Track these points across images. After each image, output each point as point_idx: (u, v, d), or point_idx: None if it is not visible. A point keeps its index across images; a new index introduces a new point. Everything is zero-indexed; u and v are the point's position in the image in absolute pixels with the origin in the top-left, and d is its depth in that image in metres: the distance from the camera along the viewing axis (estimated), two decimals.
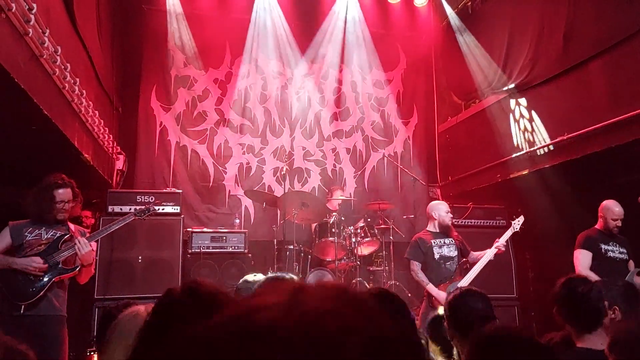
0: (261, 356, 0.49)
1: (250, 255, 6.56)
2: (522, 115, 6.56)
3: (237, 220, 7.43)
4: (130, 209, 6.16)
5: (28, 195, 3.95)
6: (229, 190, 7.84)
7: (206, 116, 7.93)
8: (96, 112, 5.42)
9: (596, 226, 5.04)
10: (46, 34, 3.67)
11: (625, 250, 4.91)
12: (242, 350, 0.50)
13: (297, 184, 8.14)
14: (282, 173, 6.76)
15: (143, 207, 4.54)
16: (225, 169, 7.88)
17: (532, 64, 6.32)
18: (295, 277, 3.18)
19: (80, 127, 5.03)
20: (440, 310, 4.83)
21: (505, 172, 6.84)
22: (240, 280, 2.90)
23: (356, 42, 8.65)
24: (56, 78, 4.08)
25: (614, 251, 4.87)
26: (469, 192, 7.71)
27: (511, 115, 6.78)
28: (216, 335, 0.53)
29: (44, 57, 3.72)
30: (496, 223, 7.13)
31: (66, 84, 4.29)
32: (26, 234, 3.86)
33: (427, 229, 5.47)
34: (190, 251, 6.34)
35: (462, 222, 7.03)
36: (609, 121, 5.06)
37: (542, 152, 6.14)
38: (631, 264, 4.90)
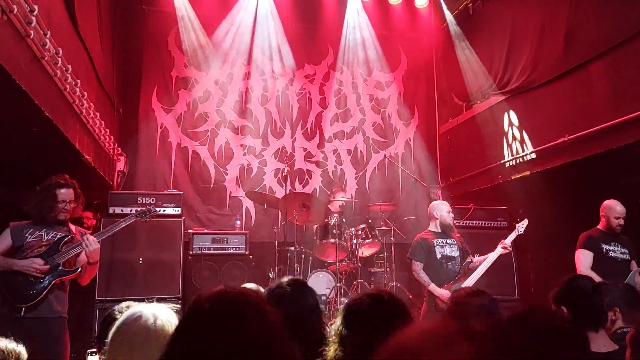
0: None
1: (251, 256, 6.56)
2: (522, 117, 6.56)
3: (238, 222, 7.43)
4: (131, 210, 6.16)
5: (30, 195, 3.94)
6: (230, 192, 7.84)
7: (207, 117, 7.94)
8: (97, 113, 5.42)
9: (598, 226, 5.02)
10: (47, 36, 3.67)
11: (627, 251, 4.88)
12: None
13: (298, 186, 8.14)
14: (283, 174, 6.76)
15: (144, 208, 4.51)
16: (226, 170, 7.89)
17: (533, 65, 6.32)
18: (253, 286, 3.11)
19: (81, 128, 5.03)
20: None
21: (506, 174, 6.83)
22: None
23: (357, 44, 8.66)
24: (57, 80, 4.08)
25: (616, 251, 4.85)
26: (470, 193, 7.71)
27: (512, 116, 6.77)
28: None
29: (45, 58, 3.72)
30: (497, 224, 7.12)
31: (67, 86, 4.29)
32: (27, 235, 3.84)
33: (429, 228, 5.46)
34: (191, 253, 6.34)
35: (463, 223, 7.02)
36: (610, 123, 5.06)
37: (542, 154, 6.13)
38: (633, 264, 4.88)
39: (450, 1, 8.29)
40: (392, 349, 0.79)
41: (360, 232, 6.61)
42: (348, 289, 6.35)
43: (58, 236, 3.92)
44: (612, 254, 4.84)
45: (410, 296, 6.62)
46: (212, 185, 7.78)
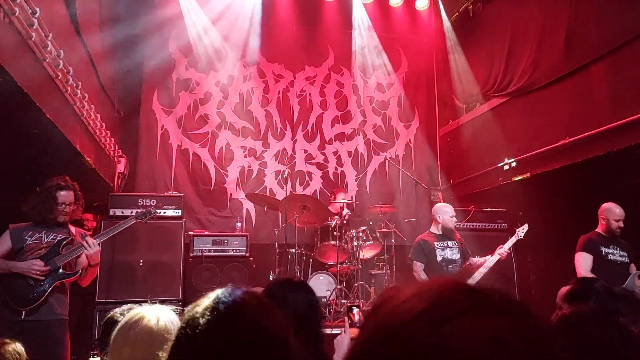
0: None
1: (251, 258, 6.55)
2: (523, 119, 6.56)
3: (239, 224, 7.43)
4: (131, 212, 6.16)
5: (30, 197, 3.93)
6: (231, 194, 7.85)
7: (208, 119, 7.94)
8: (98, 115, 5.43)
9: (597, 229, 5.02)
10: (49, 38, 3.68)
11: (626, 254, 4.89)
12: None
13: (298, 187, 8.15)
14: (284, 176, 6.75)
15: (144, 210, 4.50)
16: (227, 172, 7.89)
17: (533, 67, 6.32)
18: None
19: (82, 130, 5.04)
20: None
21: (507, 176, 6.83)
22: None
23: (357, 45, 8.67)
24: (59, 82, 4.09)
25: (615, 254, 4.85)
26: (470, 195, 7.71)
27: (512, 119, 6.77)
28: None
29: (47, 61, 3.73)
30: (498, 226, 7.12)
31: (69, 88, 4.30)
32: (26, 237, 3.83)
33: (431, 230, 5.46)
34: (191, 255, 6.34)
35: (463, 225, 7.02)
36: (611, 125, 5.06)
37: (544, 156, 6.13)
38: (632, 267, 4.88)
39: (450, 3, 8.31)
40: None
41: (360, 234, 6.60)
42: (348, 291, 6.35)
43: (58, 238, 3.91)
44: (611, 257, 4.84)
45: None
46: (212, 187, 7.79)
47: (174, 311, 1.84)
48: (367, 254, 6.84)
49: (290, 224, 6.47)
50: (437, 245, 5.26)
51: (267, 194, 7.75)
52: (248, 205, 7.81)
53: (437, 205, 5.67)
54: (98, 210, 6.44)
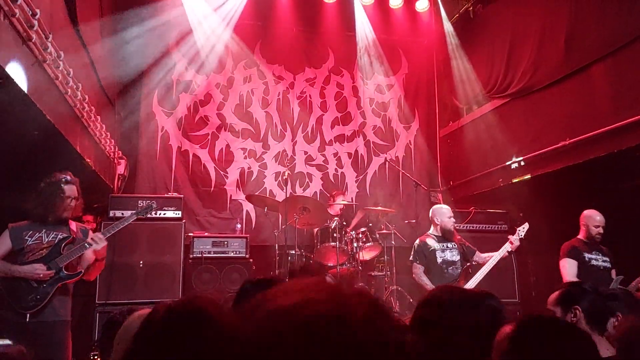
0: None
1: (251, 260, 6.54)
2: (523, 120, 6.56)
3: (239, 225, 7.43)
4: (131, 213, 6.15)
5: (32, 193, 3.88)
6: (231, 195, 7.84)
7: (208, 121, 7.94)
8: (98, 116, 5.43)
9: (579, 236, 5.11)
10: (49, 39, 3.67)
11: (608, 259, 4.98)
12: None
13: (298, 189, 8.14)
14: (284, 178, 6.74)
15: (144, 204, 4.47)
16: (227, 173, 7.89)
17: (533, 68, 6.33)
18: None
19: (82, 131, 5.04)
20: None
21: (507, 177, 6.83)
22: None
23: (358, 47, 8.67)
24: (59, 83, 4.08)
25: (598, 259, 4.94)
26: (470, 196, 7.71)
27: (513, 120, 6.77)
28: None
29: (47, 62, 3.73)
30: (498, 228, 7.11)
31: (69, 89, 4.30)
32: (26, 237, 3.79)
33: (430, 232, 5.46)
34: (191, 256, 6.33)
35: (463, 226, 7.02)
36: (612, 126, 5.07)
37: (544, 157, 6.13)
38: (613, 272, 4.96)
39: (451, 5, 8.32)
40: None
41: (360, 235, 6.60)
42: None
43: (59, 237, 3.88)
44: (594, 262, 4.93)
45: (411, 300, 6.61)
46: (212, 189, 7.78)
47: None
48: (366, 255, 6.83)
49: (290, 225, 6.47)
50: (437, 247, 5.26)
51: (267, 196, 7.74)
52: (248, 207, 7.80)
53: (435, 207, 5.67)
54: (98, 212, 6.44)
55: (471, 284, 5.00)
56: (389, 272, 6.79)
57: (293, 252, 6.56)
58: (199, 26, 7.87)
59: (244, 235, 6.88)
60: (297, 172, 8.22)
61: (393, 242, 6.86)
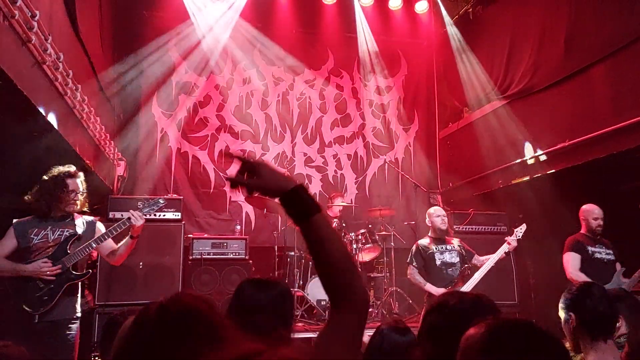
0: None
1: (251, 261, 6.54)
2: (523, 122, 6.56)
3: (238, 227, 7.43)
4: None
5: (36, 186, 3.81)
6: (230, 197, 7.84)
7: (207, 122, 7.95)
8: (97, 118, 5.43)
9: (581, 231, 5.16)
10: (49, 41, 3.67)
11: (611, 252, 5.03)
12: None
13: None
14: None
15: (150, 200, 4.26)
16: (226, 175, 7.89)
17: (533, 70, 6.34)
18: None
19: (82, 133, 5.04)
20: None
21: (506, 178, 6.83)
22: None
23: (357, 49, 8.68)
24: (58, 84, 4.08)
25: (601, 252, 5.00)
26: (470, 198, 7.71)
27: (512, 121, 6.77)
28: None
29: (47, 63, 3.73)
30: (497, 229, 7.12)
31: (68, 91, 4.29)
32: (32, 236, 3.73)
33: (429, 235, 5.50)
34: (191, 257, 6.33)
35: (463, 228, 7.03)
36: (611, 127, 5.07)
37: (543, 159, 6.13)
38: (618, 265, 5.01)
39: (451, 6, 8.33)
40: None
41: (360, 237, 6.60)
42: None
43: (65, 235, 3.81)
44: (597, 255, 4.98)
45: (410, 301, 6.62)
46: (212, 190, 7.79)
47: None
48: (366, 256, 6.84)
49: (290, 226, 6.48)
50: (436, 249, 5.27)
51: (267, 197, 7.73)
52: (247, 208, 7.81)
53: (428, 210, 5.72)
54: (98, 213, 6.42)
55: (469, 285, 5.02)
56: (388, 274, 6.80)
57: (292, 253, 6.57)
58: (199, 28, 7.87)
59: (243, 236, 6.88)
60: (297, 173, 8.22)
61: (392, 243, 6.86)
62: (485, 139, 7.32)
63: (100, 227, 4.09)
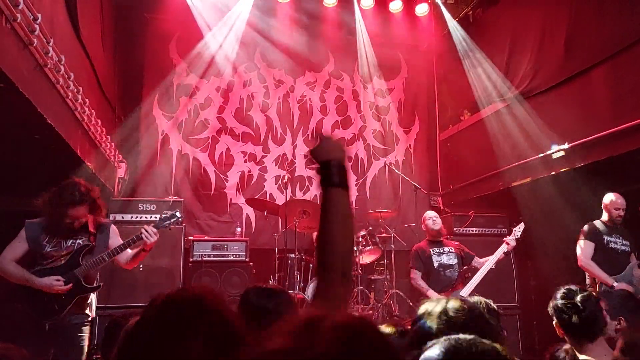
0: None
1: (251, 263, 6.55)
2: (523, 124, 6.57)
3: (239, 229, 7.43)
4: (131, 217, 6.16)
5: (43, 197, 3.71)
6: (231, 199, 7.85)
7: (208, 124, 7.96)
8: (98, 120, 5.44)
9: (601, 218, 5.20)
10: (50, 44, 3.68)
11: (628, 243, 5.07)
12: None
13: (298, 192, 8.15)
14: (284, 181, 6.77)
15: (168, 214, 4.19)
16: (227, 177, 7.89)
17: (533, 72, 6.34)
18: None
19: (83, 135, 5.05)
20: None
21: (506, 181, 6.84)
22: None
23: (357, 51, 8.69)
24: (60, 87, 4.09)
25: (617, 242, 5.04)
26: (470, 200, 7.71)
27: (512, 124, 6.78)
28: None
29: (48, 66, 3.74)
30: (497, 231, 7.13)
31: (69, 93, 4.31)
32: (44, 243, 3.68)
33: (427, 238, 5.53)
34: (191, 260, 6.33)
35: (463, 230, 7.04)
36: (612, 130, 5.07)
37: (543, 161, 6.14)
38: (632, 257, 5.05)
39: (451, 9, 8.34)
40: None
41: (360, 239, 6.60)
42: None
43: (77, 244, 3.77)
44: (612, 245, 5.03)
45: (411, 303, 6.61)
46: (212, 192, 7.79)
47: None
48: (366, 259, 6.84)
49: (290, 229, 6.48)
50: (433, 251, 5.30)
51: (267, 199, 7.75)
52: (248, 210, 7.81)
53: (424, 214, 5.75)
54: None
55: (469, 287, 5.03)
56: (388, 276, 6.79)
57: (293, 255, 6.56)
58: (200, 30, 7.88)
59: (243, 238, 6.89)
60: (297, 175, 8.23)
61: (393, 245, 6.86)
62: (485, 141, 7.32)
63: (114, 231, 4.05)
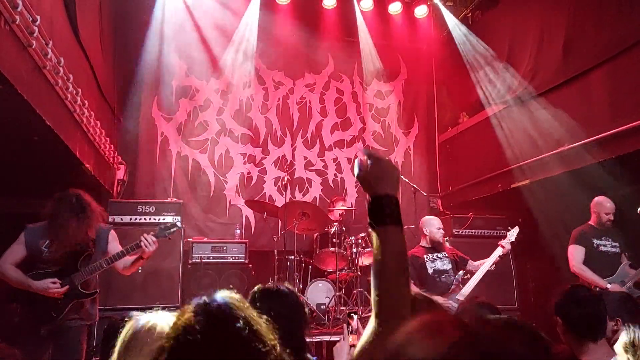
0: None
1: (250, 265, 6.55)
2: (522, 126, 6.57)
3: (238, 230, 7.43)
4: (130, 219, 6.16)
5: (47, 204, 3.76)
6: (230, 200, 7.85)
7: (207, 126, 7.96)
8: (98, 122, 5.44)
9: (589, 222, 5.25)
10: (49, 46, 3.69)
11: (617, 244, 5.12)
12: None
13: (298, 194, 8.15)
14: (283, 183, 6.77)
15: (168, 223, 4.12)
16: (226, 178, 7.89)
17: (532, 74, 6.35)
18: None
19: (82, 137, 5.05)
20: None
21: (506, 182, 6.84)
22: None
23: (357, 53, 8.70)
24: (59, 89, 4.09)
25: (607, 245, 5.09)
26: (469, 202, 7.72)
27: (512, 126, 6.78)
28: None
29: (47, 68, 3.74)
30: (497, 233, 7.12)
31: (68, 95, 4.31)
32: (43, 248, 3.69)
33: (420, 244, 5.48)
34: (190, 261, 6.33)
35: (462, 232, 7.04)
36: (610, 132, 5.08)
37: (542, 163, 6.14)
38: (623, 257, 5.08)
39: (450, 11, 8.34)
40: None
41: (360, 240, 6.60)
42: (348, 298, 6.34)
43: (75, 251, 3.77)
44: (602, 248, 5.08)
45: None
46: (212, 194, 7.79)
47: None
48: (366, 260, 6.83)
49: (290, 230, 6.47)
50: (427, 258, 5.26)
51: (267, 201, 7.75)
52: (247, 212, 7.80)
53: (424, 218, 5.68)
54: None
55: (465, 291, 5.01)
56: None
57: (292, 257, 6.57)
58: (199, 32, 7.89)
59: (243, 240, 6.89)
60: (297, 177, 8.23)
61: None
62: (484, 143, 7.33)
63: (113, 237, 4.05)
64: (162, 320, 1.76)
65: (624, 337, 2.25)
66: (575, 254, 5.06)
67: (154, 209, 6.32)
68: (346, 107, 8.71)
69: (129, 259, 3.93)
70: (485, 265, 5.13)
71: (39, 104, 3.58)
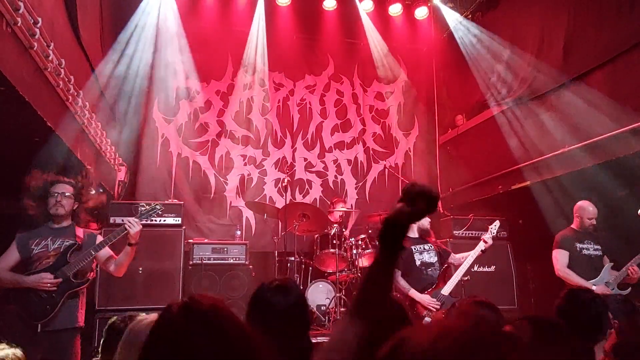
0: None
1: (251, 266, 6.54)
2: (523, 127, 6.58)
3: (238, 232, 7.43)
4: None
5: (25, 197, 3.85)
6: (230, 202, 7.86)
7: (208, 128, 7.97)
8: (99, 123, 5.45)
9: (572, 226, 5.31)
10: (51, 47, 3.70)
11: (599, 247, 5.18)
12: None
13: (298, 195, 8.15)
14: (284, 184, 6.77)
15: (149, 207, 4.20)
16: (227, 180, 7.90)
17: (532, 76, 6.35)
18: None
19: (83, 138, 5.06)
20: (427, 318, 4.85)
21: (506, 184, 6.84)
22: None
23: (357, 55, 8.72)
24: (60, 90, 4.11)
25: (589, 249, 5.15)
26: (470, 203, 7.72)
27: (512, 127, 6.79)
28: None
29: (48, 69, 3.76)
30: (497, 234, 7.10)
31: (69, 96, 4.32)
32: (32, 246, 3.77)
33: (408, 234, 5.45)
34: (191, 262, 6.33)
35: (462, 233, 7.04)
36: (611, 133, 5.08)
37: (542, 164, 6.15)
38: (605, 259, 5.16)
39: (450, 12, 8.35)
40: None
41: (360, 242, 6.61)
42: (348, 299, 6.34)
43: (64, 245, 3.85)
44: (585, 251, 5.14)
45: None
46: (212, 195, 7.80)
47: None
48: (366, 262, 6.82)
49: (290, 232, 6.48)
50: (415, 249, 5.24)
51: (267, 202, 7.76)
52: (248, 213, 7.81)
53: None
54: (98, 218, 6.43)
55: (449, 286, 5.00)
56: None
57: (292, 258, 6.57)
58: (199, 34, 7.90)
59: (243, 241, 6.88)
60: (297, 178, 8.24)
61: None
62: (485, 145, 7.34)
63: (101, 238, 4.12)
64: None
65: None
66: (560, 258, 5.11)
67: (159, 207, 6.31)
68: (346, 109, 8.72)
69: (121, 258, 3.99)
70: (468, 260, 5.13)
71: (40, 106, 3.59)
